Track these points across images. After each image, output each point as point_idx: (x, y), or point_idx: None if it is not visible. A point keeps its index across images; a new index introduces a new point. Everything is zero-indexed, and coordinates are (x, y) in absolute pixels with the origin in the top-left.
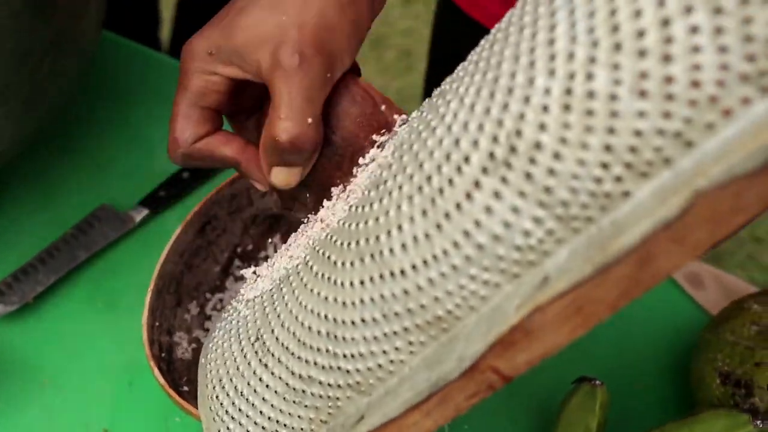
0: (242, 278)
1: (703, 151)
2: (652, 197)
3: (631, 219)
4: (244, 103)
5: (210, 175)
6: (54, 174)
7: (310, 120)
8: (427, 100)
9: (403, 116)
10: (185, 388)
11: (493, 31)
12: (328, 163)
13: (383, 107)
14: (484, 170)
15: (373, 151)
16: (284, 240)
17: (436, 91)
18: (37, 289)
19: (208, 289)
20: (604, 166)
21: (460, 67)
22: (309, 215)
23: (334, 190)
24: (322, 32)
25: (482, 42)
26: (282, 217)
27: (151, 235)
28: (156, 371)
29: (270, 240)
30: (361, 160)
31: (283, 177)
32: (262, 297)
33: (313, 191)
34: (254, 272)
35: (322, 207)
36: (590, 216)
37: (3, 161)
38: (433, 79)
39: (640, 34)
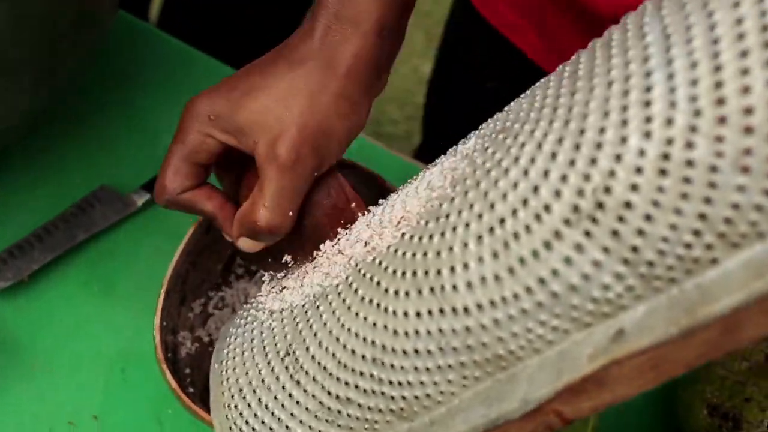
0: (243, 276)
1: None
2: (743, 268)
3: (719, 286)
4: (230, 158)
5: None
6: (56, 151)
7: (290, 213)
8: (481, 132)
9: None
10: (191, 390)
11: (566, 74)
12: (294, 240)
13: (353, 205)
14: (567, 222)
15: (329, 245)
16: (286, 240)
17: (496, 126)
18: (32, 267)
19: (210, 287)
20: (696, 233)
21: (525, 104)
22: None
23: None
24: (320, 137)
25: (551, 82)
26: None
27: (151, 221)
28: (168, 375)
29: None
30: (322, 247)
31: (248, 246)
32: (292, 311)
33: (273, 257)
34: (281, 285)
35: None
36: (674, 278)
37: (14, 137)
38: (441, 75)
39: (748, 111)
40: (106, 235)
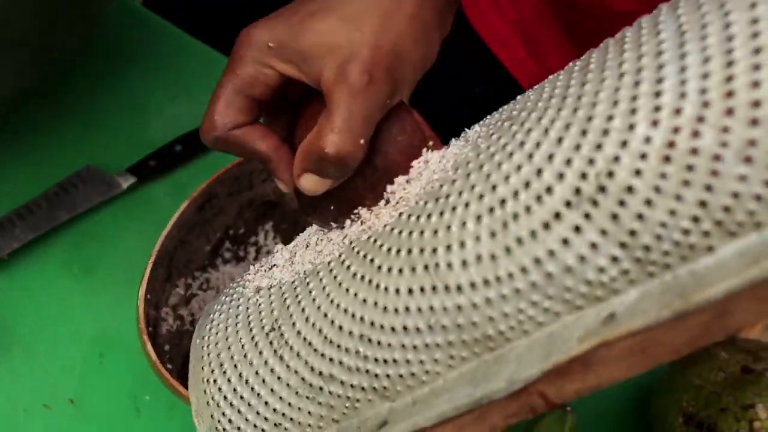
0: (230, 261)
1: None
2: (738, 256)
3: (714, 273)
4: (280, 103)
5: (204, 151)
6: (42, 128)
7: (362, 141)
8: (488, 120)
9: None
10: (169, 366)
11: (576, 68)
12: (362, 182)
13: (430, 143)
14: (568, 204)
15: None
16: (276, 228)
17: (502, 115)
18: (12, 245)
19: (197, 268)
20: (695, 219)
21: (533, 95)
22: (325, 226)
23: (360, 210)
24: (394, 59)
25: (560, 76)
26: (276, 205)
27: (135, 205)
28: (149, 346)
29: (262, 226)
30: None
31: (312, 184)
32: (280, 287)
33: (338, 204)
34: (270, 263)
35: (340, 224)
36: (669, 263)
37: (1, 114)
38: (429, 77)
39: (756, 104)
40: (89, 217)
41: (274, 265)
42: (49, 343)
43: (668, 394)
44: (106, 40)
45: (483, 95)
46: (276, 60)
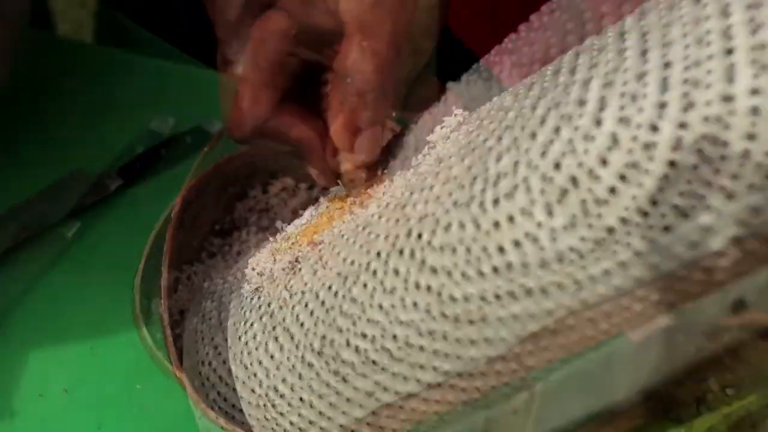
0: (214, 255)
1: None
2: None
3: None
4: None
5: (190, 153)
6: (29, 130)
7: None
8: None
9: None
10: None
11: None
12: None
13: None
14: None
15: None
16: (258, 224)
17: (479, 114)
18: (3, 245)
19: (185, 261)
20: None
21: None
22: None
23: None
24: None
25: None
26: (263, 200)
27: (123, 206)
28: (144, 331)
29: (246, 221)
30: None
31: (350, 165)
32: (315, 293)
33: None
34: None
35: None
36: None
37: None
38: None
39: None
40: (79, 218)
41: (294, 268)
42: (42, 338)
43: None
44: (91, 46)
45: None
46: (300, 47)
